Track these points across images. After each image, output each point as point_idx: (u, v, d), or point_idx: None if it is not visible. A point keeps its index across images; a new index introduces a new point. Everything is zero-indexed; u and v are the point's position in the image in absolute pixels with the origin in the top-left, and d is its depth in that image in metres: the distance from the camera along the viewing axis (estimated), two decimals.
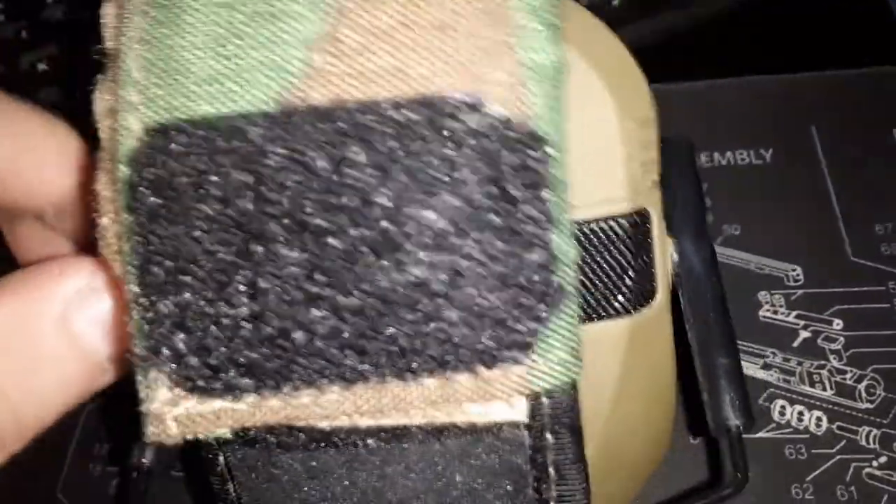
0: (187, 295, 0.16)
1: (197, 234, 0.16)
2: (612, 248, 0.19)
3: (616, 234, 0.19)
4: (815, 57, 0.36)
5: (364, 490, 0.17)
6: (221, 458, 0.18)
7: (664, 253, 0.20)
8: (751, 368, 0.30)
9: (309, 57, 0.16)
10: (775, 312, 0.31)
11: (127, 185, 0.16)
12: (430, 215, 0.15)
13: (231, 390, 0.16)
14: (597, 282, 0.19)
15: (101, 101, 0.17)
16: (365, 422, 0.17)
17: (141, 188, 0.16)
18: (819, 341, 0.30)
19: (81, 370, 0.18)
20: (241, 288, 0.16)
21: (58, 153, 0.20)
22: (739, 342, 0.30)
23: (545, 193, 0.15)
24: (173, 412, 0.16)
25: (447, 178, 0.15)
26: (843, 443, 0.28)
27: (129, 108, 0.16)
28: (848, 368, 0.29)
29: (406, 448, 0.17)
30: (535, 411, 0.16)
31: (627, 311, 0.19)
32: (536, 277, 0.16)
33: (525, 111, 0.15)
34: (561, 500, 0.17)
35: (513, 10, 0.16)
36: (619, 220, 0.19)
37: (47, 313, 0.17)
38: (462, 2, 0.16)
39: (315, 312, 0.16)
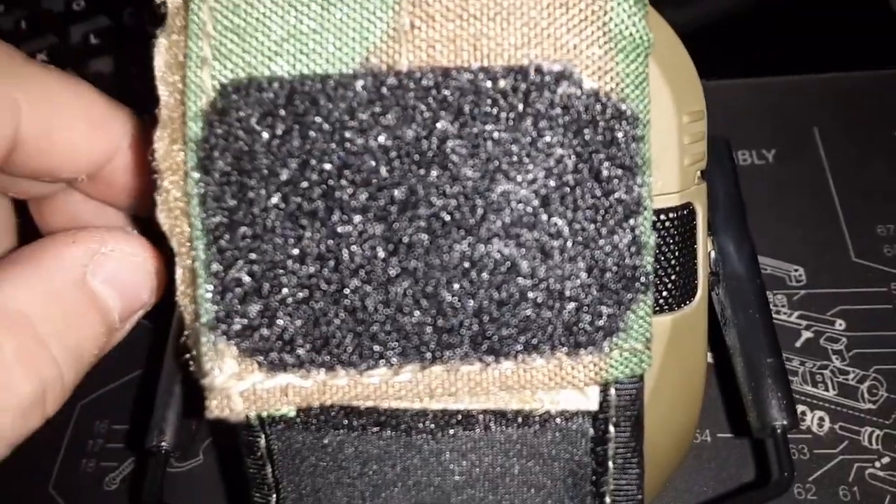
0: (263, 263, 0.15)
1: (275, 199, 0.15)
2: (660, 241, 0.19)
3: (666, 227, 0.19)
4: (818, 58, 0.36)
5: (417, 476, 0.17)
6: (262, 442, 0.17)
7: (704, 251, 0.20)
8: None
9: (395, 19, 0.15)
10: (777, 313, 0.31)
11: (198, 144, 0.15)
12: (518, 190, 0.15)
13: (302, 365, 0.15)
14: None
15: (163, 55, 0.16)
16: (432, 405, 0.16)
17: (214, 148, 0.15)
18: (821, 342, 0.30)
19: (103, 326, 0.18)
20: (321, 258, 0.15)
21: (85, 115, 0.19)
22: None
23: (635, 174, 0.15)
24: (239, 387, 0.15)
25: (538, 152, 0.15)
26: (845, 443, 0.28)
27: (202, 63, 0.15)
28: (850, 369, 0.29)
29: (468, 434, 0.16)
30: (603, 402, 0.16)
31: (671, 308, 0.19)
32: (625, 261, 0.15)
33: (615, 86, 0.15)
34: (617, 493, 0.17)
35: None
36: (669, 213, 0.19)
37: (69, 276, 0.17)
38: None
39: (396, 287, 0.15)
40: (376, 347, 0.15)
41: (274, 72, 0.15)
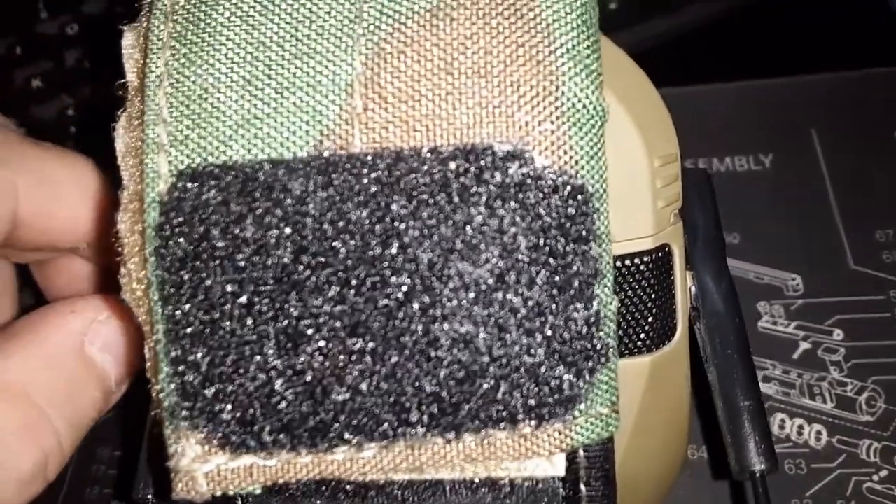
0: (221, 348, 0.15)
1: (232, 286, 0.15)
2: (635, 285, 0.19)
3: (640, 271, 0.19)
4: (815, 59, 0.35)
5: None
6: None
7: (684, 287, 0.20)
8: None
9: (349, 101, 0.15)
10: (775, 323, 0.30)
11: (156, 231, 0.15)
12: (473, 269, 0.15)
13: (264, 447, 0.15)
14: (620, 319, 0.19)
15: (123, 138, 0.16)
16: (399, 476, 0.16)
17: (170, 234, 0.15)
18: (819, 352, 0.30)
19: (100, 392, 0.19)
20: (278, 342, 0.15)
21: (82, 190, 0.20)
22: None
23: (591, 247, 0.15)
24: (203, 468, 0.15)
25: (491, 231, 0.15)
26: (843, 457, 0.28)
27: (158, 149, 0.15)
28: (848, 380, 0.29)
29: (439, 500, 0.16)
30: (570, 465, 0.16)
31: (650, 349, 0.19)
32: (582, 333, 0.15)
33: (569, 161, 0.15)
34: None
35: (556, 56, 0.15)
36: (644, 257, 0.19)
37: (69, 346, 0.18)
38: (503, 46, 0.15)
39: (355, 369, 0.15)
40: (336, 429, 0.15)
41: (230, 157, 0.15)
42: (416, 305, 0.15)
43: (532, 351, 0.15)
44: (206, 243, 0.15)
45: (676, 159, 0.19)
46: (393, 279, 0.15)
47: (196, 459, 0.15)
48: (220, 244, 0.15)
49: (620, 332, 0.19)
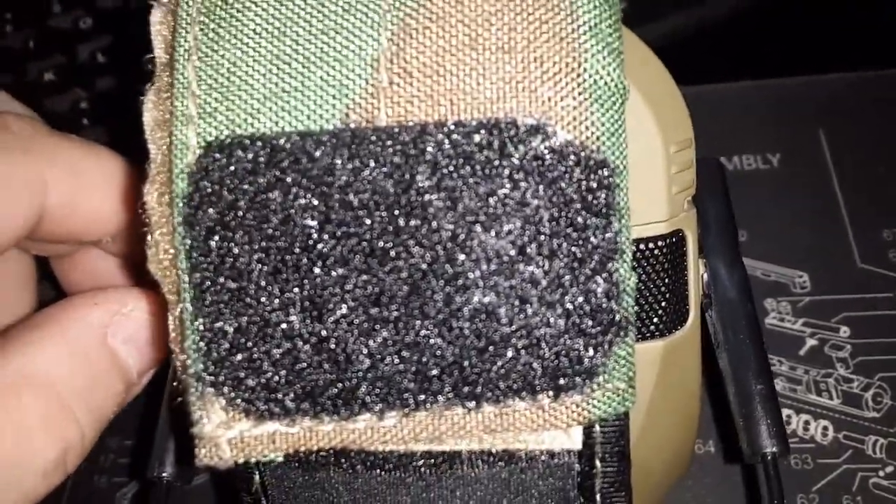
0: (247, 315, 0.15)
1: (258, 254, 0.15)
2: (649, 269, 0.19)
3: (654, 255, 0.19)
4: (824, 59, 0.36)
5: None
6: (257, 478, 0.17)
7: (696, 274, 0.20)
8: None
9: (374, 76, 0.15)
10: (782, 320, 0.30)
11: (184, 201, 0.15)
12: (495, 240, 0.15)
13: (288, 414, 0.16)
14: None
15: (152, 112, 0.16)
16: (419, 447, 0.16)
17: (199, 203, 0.15)
18: (826, 349, 0.30)
19: (123, 384, 0.19)
20: (304, 311, 0.15)
21: (108, 183, 0.20)
22: None
23: (611, 221, 0.15)
24: (227, 435, 0.16)
25: (513, 203, 0.15)
26: (849, 452, 0.28)
27: (187, 121, 0.16)
28: (855, 377, 0.29)
29: (456, 473, 0.17)
30: (587, 439, 0.16)
31: (662, 334, 0.19)
32: (602, 306, 0.15)
33: (590, 136, 0.15)
34: None
35: (579, 34, 0.16)
36: (658, 241, 0.19)
37: (92, 339, 0.18)
38: (527, 23, 0.16)
39: (378, 337, 0.15)
40: (359, 396, 0.15)
41: (257, 129, 0.15)
42: (439, 276, 0.15)
43: (552, 322, 0.15)
44: (233, 212, 0.15)
45: (691, 145, 0.20)
46: (416, 249, 0.15)
47: (220, 426, 0.16)
48: (247, 213, 0.15)
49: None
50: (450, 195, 0.15)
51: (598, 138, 0.15)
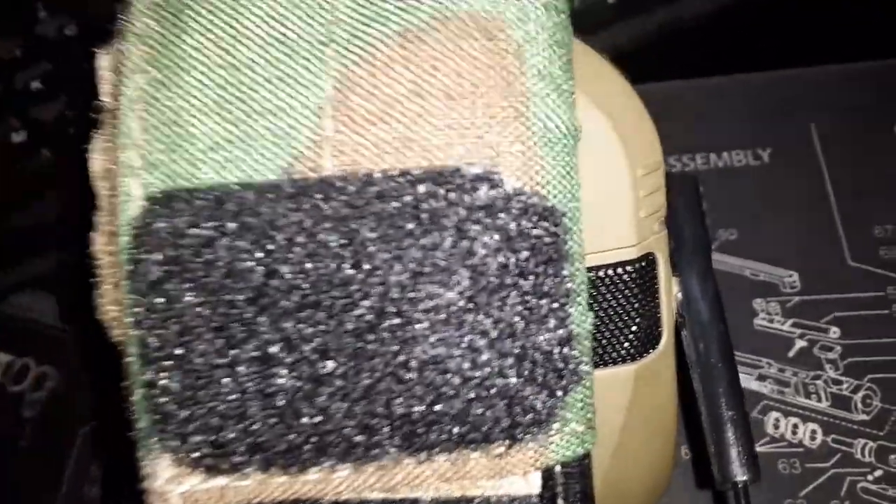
0: (193, 372, 0.15)
1: (203, 309, 0.15)
2: (619, 294, 0.19)
3: (623, 280, 0.19)
4: (814, 52, 0.35)
5: None
6: None
7: (669, 294, 0.20)
8: (745, 380, 0.29)
9: (319, 125, 0.15)
10: (771, 321, 0.30)
11: (128, 254, 0.15)
12: (443, 291, 0.15)
13: (237, 468, 0.15)
14: (603, 329, 0.19)
15: (98, 161, 0.16)
16: (374, 496, 0.16)
17: (143, 257, 0.15)
18: (815, 350, 0.29)
19: None
20: (249, 365, 0.15)
21: None
22: (734, 352, 0.30)
23: (562, 267, 0.15)
24: (178, 490, 0.16)
25: (461, 254, 0.15)
26: (837, 456, 0.27)
27: (130, 173, 0.15)
28: (844, 378, 0.29)
29: None
30: (547, 482, 0.16)
31: (633, 358, 0.19)
32: (554, 354, 0.15)
33: (539, 182, 0.15)
34: None
35: (525, 77, 0.15)
36: (627, 266, 0.19)
37: None
38: (473, 69, 0.15)
39: (325, 391, 0.15)
40: (307, 450, 0.15)
41: (202, 180, 0.15)
42: (385, 328, 0.15)
43: (504, 372, 0.15)
44: (177, 267, 0.15)
45: (659, 167, 0.19)
46: (363, 302, 0.15)
47: (170, 481, 0.15)
48: (191, 268, 0.15)
49: (604, 342, 0.19)
50: (396, 247, 0.15)
51: (547, 184, 0.15)
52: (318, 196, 0.15)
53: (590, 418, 0.16)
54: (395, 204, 0.15)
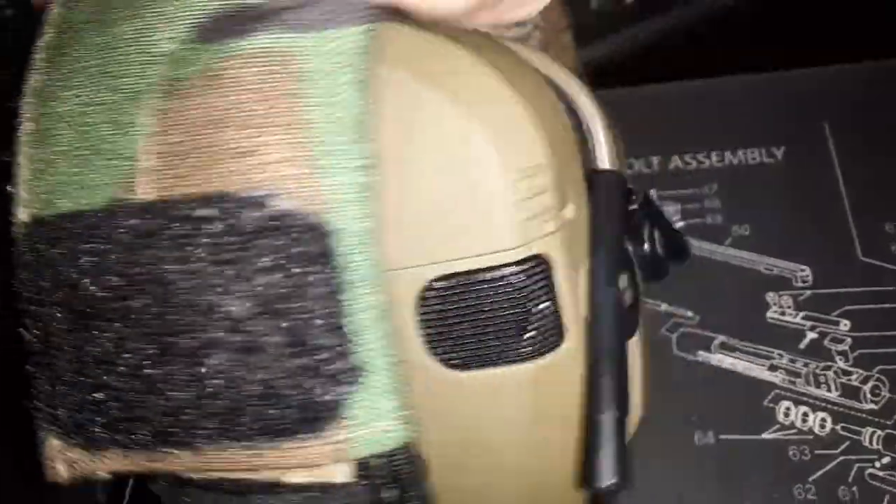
0: (56, 363, 0.18)
1: (56, 314, 0.18)
2: (504, 296, 0.19)
3: (509, 282, 0.19)
4: (828, 51, 0.36)
5: None
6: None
7: (574, 295, 0.20)
8: (757, 370, 0.30)
9: (139, 160, 0.18)
10: (783, 314, 0.31)
11: (16, 268, 0.19)
12: (227, 302, 0.17)
13: (98, 445, 0.18)
14: (491, 329, 0.19)
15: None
16: (215, 475, 0.19)
17: (23, 272, 0.18)
18: (826, 342, 0.30)
19: None
20: (90, 362, 0.18)
21: None
22: (747, 343, 0.31)
23: (343, 282, 0.17)
24: (59, 457, 0.19)
25: (243, 270, 0.17)
26: (846, 444, 0.28)
27: (20, 202, 0.19)
28: (854, 369, 0.30)
29: (257, 498, 0.19)
30: (365, 472, 0.18)
31: (532, 356, 0.20)
32: (337, 357, 0.17)
33: (317, 204, 0.17)
34: None
35: (309, 104, 0.17)
36: (507, 268, 0.19)
37: None
38: (263, 98, 0.17)
39: (146, 389, 0.18)
40: (144, 436, 0.18)
41: (56, 209, 0.18)
42: (183, 339, 0.17)
43: (284, 375, 0.17)
44: (40, 279, 0.18)
45: (542, 171, 0.19)
46: (168, 315, 0.17)
47: (53, 449, 0.19)
48: (48, 279, 0.18)
49: (494, 342, 0.20)
50: (188, 265, 0.17)
51: (324, 204, 0.17)
52: (131, 218, 0.17)
53: (390, 411, 0.17)
54: (187, 227, 0.17)
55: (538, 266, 0.19)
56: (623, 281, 0.22)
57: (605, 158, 0.23)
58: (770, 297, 0.32)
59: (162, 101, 0.17)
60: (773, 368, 0.30)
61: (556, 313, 0.20)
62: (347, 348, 0.17)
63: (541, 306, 0.20)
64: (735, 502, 0.28)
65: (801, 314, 0.31)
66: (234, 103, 0.17)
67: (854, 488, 0.28)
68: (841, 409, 0.29)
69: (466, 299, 0.19)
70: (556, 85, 0.23)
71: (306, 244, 0.17)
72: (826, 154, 0.34)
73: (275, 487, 0.18)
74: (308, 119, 0.17)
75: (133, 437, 0.18)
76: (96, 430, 0.18)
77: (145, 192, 0.17)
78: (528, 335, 0.20)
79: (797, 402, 0.29)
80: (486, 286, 0.19)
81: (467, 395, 0.20)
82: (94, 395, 0.18)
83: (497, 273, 0.19)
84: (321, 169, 0.17)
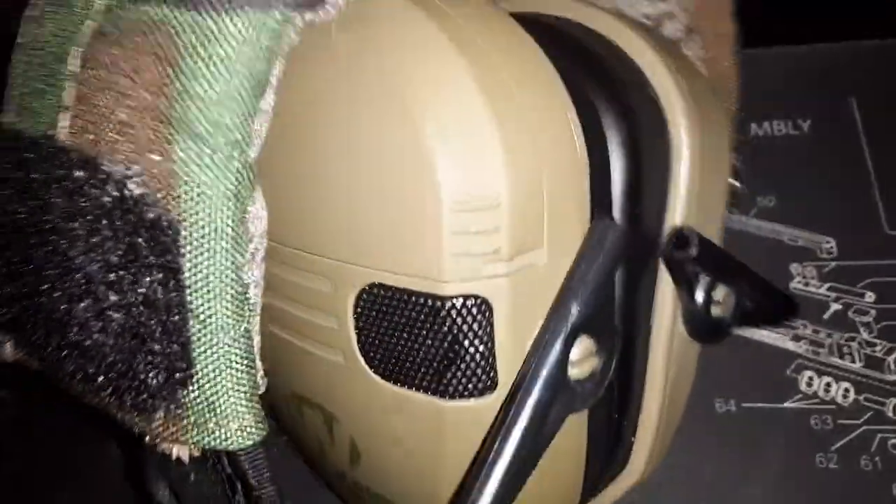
0: None
1: None
2: (430, 325, 0.18)
3: (437, 314, 0.18)
4: (856, 26, 0.35)
5: None
6: None
7: (518, 348, 0.18)
8: (780, 339, 0.30)
9: (63, 102, 0.18)
10: (807, 284, 0.31)
11: None
12: (84, 263, 0.17)
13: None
14: (416, 352, 0.18)
15: None
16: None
17: None
18: (850, 314, 0.30)
19: None
20: (8, 270, 0.18)
21: None
22: None
23: (181, 279, 0.16)
24: (5, 340, 0.19)
25: (98, 238, 0.17)
26: (869, 414, 0.28)
27: (5, 107, 0.19)
28: (878, 341, 0.29)
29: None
30: (208, 460, 0.18)
31: (449, 396, 0.18)
32: (161, 350, 0.17)
33: (168, 197, 0.16)
34: None
35: (178, 83, 0.16)
36: (437, 300, 0.17)
37: None
38: (145, 72, 0.16)
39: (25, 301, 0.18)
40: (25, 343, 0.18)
41: (16, 126, 0.18)
42: (50, 281, 0.17)
43: (126, 352, 0.17)
44: None
45: (497, 209, 0.17)
46: (30, 251, 0.17)
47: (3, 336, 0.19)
48: None
49: (421, 368, 0.18)
50: (50, 212, 0.17)
51: (175, 198, 0.16)
52: (42, 156, 0.17)
53: (228, 414, 0.17)
54: (63, 179, 0.17)
55: (472, 308, 0.18)
56: (583, 347, 0.19)
57: (684, 157, 0.20)
58: (794, 267, 0.31)
59: (87, 50, 0.17)
60: (796, 338, 0.30)
61: (488, 361, 0.18)
62: (180, 344, 0.17)
63: (470, 349, 0.18)
64: (756, 470, 0.28)
65: (826, 285, 0.31)
66: (128, 71, 0.16)
67: (876, 458, 0.27)
68: (864, 380, 0.29)
69: (395, 316, 0.18)
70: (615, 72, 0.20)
71: (149, 235, 0.16)
72: (853, 127, 0.34)
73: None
74: (173, 96, 0.16)
75: (35, 352, 0.18)
76: (13, 330, 0.18)
77: (65, 135, 0.17)
78: (449, 373, 0.18)
79: (820, 373, 0.29)
80: (414, 310, 0.18)
81: (384, 402, 0.19)
82: (11, 299, 0.18)
83: (426, 301, 0.18)
84: (184, 156, 0.16)
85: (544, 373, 0.18)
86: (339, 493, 0.26)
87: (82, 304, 0.17)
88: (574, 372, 0.18)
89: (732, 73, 0.28)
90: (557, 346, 0.18)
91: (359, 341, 0.19)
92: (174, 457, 0.18)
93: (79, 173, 0.17)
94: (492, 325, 0.18)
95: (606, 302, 0.19)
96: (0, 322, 0.19)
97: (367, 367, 0.19)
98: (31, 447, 0.32)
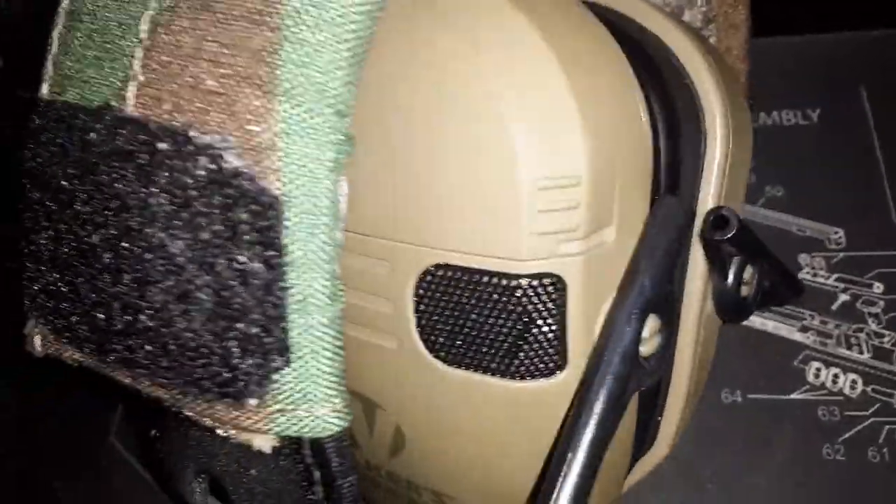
0: (37, 242, 0.18)
1: (45, 196, 0.17)
2: (503, 306, 0.18)
3: (511, 294, 0.18)
4: (867, 15, 0.35)
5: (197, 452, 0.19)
6: None
7: (587, 329, 0.18)
8: (787, 330, 0.30)
9: (133, 70, 0.16)
10: (815, 275, 0.31)
11: (26, 139, 0.18)
12: (167, 241, 0.16)
13: (57, 331, 0.18)
14: (484, 335, 0.18)
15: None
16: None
17: (30, 150, 0.18)
18: (858, 304, 0.30)
19: None
20: (61, 254, 0.17)
21: None
22: None
23: (277, 256, 0.15)
24: (35, 332, 0.18)
25: (186, 215, 0.16)
26: (877, 405, 0.28)
27: (45, 78, 0.18)
28: (886, 332, 0.29)
29: (198, 433, 0.18)
30: (290, 449, 0.17)
31: (520, 377, 0.18)
32: (256, 332, 0.16)
33: (267, 170, 0.15)
34: None
35: (279, 57, 0.15)
36: (513, 279, 0.17)
37: None
38: (238, 41, 0.15)
39: (87, 293, 0.17)
40: (90, 342, 0.17)
41: (67, 97, 0.17)
42: (123, 260, 0.16)
43: (216, 334, 0.16)
44: (41, 160, 0.17)
45: (580, 184, 0.17)
46: (103, 231, 0.16)
47: (32, 328, 0.18)
48: (46, 161, 0.17)
49: (489, 350, 0.18)
50: (136, 189, 0.16)
51: (276, 174, 0.15)
52: (115, 128, 0.16)
53: (320, 400, 0.16)
54: (145, 151, 0.16)
55: (549, 286, 0.18)
56: (651, 325, 0.19)
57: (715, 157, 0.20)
58: (803, 258, 0.31)
59: (157, 15, 0.16)
60: (804, 329, 0.30)
61: (559, 340, 0.18)
62: (278, 325, 0.16)
63: (543, 329, 0.18)
64: (763, 461, 0.28)
65: (834, 276, 0.31)
66: (218, 37, 0.15)
67: (884, 450, 0.27)
68: (872, 371, 0.29)
69: (464, 297, 0.18)
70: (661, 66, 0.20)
71: (248, 208, 0.15)
72: (862, 118, 0.34)
73: (212, 431, 0.17)
74: (275, 72, 0.15)
75: (82, 341, 0.17)
76: (57, 319, 0.18)
77: (133, 105, 0.16)
78: (521, 353, 0.18)
79: (828, 364, 0.29)
80: (486, 290, 0.18)
81: (446, 389, 0.19)
82: (59, 285, 0.17)
83: (500, 281, 0.17)
84: (282, 130, 0.15)
85: (620, 349, 0.18)
86: (360, 486, 0.25)
87: (160, 286, 0.16)
88: (643, 349, 0.19)
89: (743, 64, 0.28)
90: (634, 323, 0.18)
91: (419, 325, 0.18)
92: (255, 448, 0.17)
93: (162, 145, 0.16)
94: (565, 303, 0.18)
95: (669, 280, 0.20)
96: (39, 313, 0.18)
97: (426, 351, 0.19)
98: (34, 445, 0.32)
